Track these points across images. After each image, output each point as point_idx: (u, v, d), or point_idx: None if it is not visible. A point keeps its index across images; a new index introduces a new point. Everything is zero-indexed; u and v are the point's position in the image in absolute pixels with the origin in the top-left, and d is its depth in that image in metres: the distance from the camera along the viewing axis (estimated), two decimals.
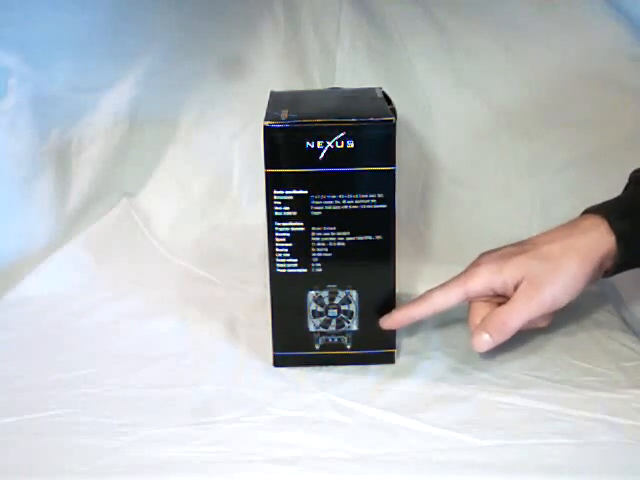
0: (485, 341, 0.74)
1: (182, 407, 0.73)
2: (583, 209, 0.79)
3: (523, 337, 0.84)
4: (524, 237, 0.78)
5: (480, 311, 0.77)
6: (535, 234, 0.78)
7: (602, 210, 0.77)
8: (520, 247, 0.77)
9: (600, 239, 0.75)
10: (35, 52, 0.98)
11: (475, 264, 0.77)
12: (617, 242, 0.75)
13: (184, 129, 1.09)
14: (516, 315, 0.74)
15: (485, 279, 0.75)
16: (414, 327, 0.84)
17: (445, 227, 1.04)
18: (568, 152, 1.01)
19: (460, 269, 0.77)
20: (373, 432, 0.69)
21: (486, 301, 0.77)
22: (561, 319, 0.88)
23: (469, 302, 0.78)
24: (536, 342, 0.83)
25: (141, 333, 0.87)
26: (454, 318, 0.88)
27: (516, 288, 0.75)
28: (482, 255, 0.78)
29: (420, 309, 0.77)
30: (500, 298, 0.77)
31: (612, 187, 0.80)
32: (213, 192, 1.07)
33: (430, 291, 0.77)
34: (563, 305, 0.76)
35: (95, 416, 0.72)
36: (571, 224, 0.77)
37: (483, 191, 1.04)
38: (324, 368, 0.79)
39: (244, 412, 0.72)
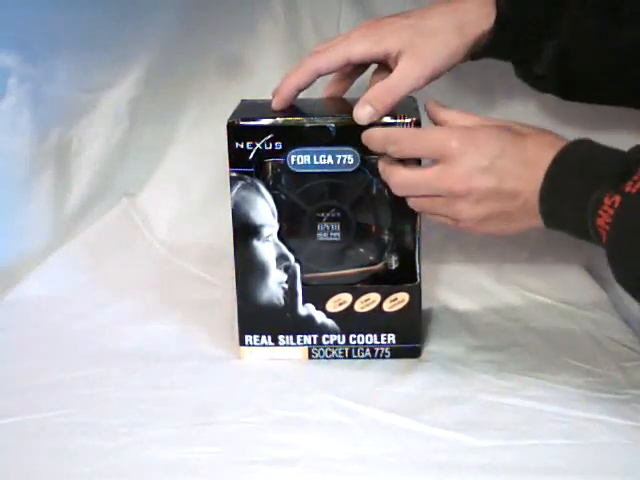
0: (367, 112, 0.74)
1: (182, 408, 0.73)
2: None
3: (523, 338, 0.85)
4: None
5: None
6: None
7: None
8: (403, 18, 0.77)
9: (482, 15, 0.76)
10: (35, 52, 0.98)
11: (358, 30, 0.77)
12: (496, 20, 0.76)
13: (184, 129, 1.09)
14: (398, 86, 0.74)
15: (366, 47, 0.76)
16: None
17: None
18: None
19: None
20: (373, 433, 0.69)
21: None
22: (561, 320, 0.88)
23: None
24: (535, 343, 0.83)
25: (141, 334, 0.87)
26: (454, 319, 0.89)
27: (397, 60, 0.75)
28: (366, 22, 0.78)
29: (303, 76, 0.77)
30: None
31: None
32: (213, 192, 1.07)
33: (312, 57, 0.77)
34: (439, 76, 0.76)
35: (95, 417, 0.72)
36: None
37: None
38: (324, 369, 0.79)
39: (244, 413, 0.72)
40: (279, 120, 0.76)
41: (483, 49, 0.78)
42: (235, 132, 0.76)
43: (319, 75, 0.77)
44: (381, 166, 0.75)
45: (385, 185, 0.76)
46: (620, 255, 0.64)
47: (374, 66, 0.80)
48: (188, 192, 1.10)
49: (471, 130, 0.71)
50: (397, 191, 0.74)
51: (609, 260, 0.65)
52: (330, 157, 0.76)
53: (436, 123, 0.75)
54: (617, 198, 0.63)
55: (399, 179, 0.73)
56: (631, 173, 0.63)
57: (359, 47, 0.76)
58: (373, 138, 0.74)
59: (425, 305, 0.83)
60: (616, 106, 0.87)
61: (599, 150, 0.67)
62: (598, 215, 0.63)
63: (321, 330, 0.80)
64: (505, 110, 1.00)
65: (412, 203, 0.74)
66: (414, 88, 0.75)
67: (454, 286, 0.95)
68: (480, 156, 0.69)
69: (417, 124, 0.75)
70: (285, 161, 0.76)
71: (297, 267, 0.79)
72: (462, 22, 0.76)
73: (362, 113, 0.75)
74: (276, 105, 0.78)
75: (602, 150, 0.67)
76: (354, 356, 0.81)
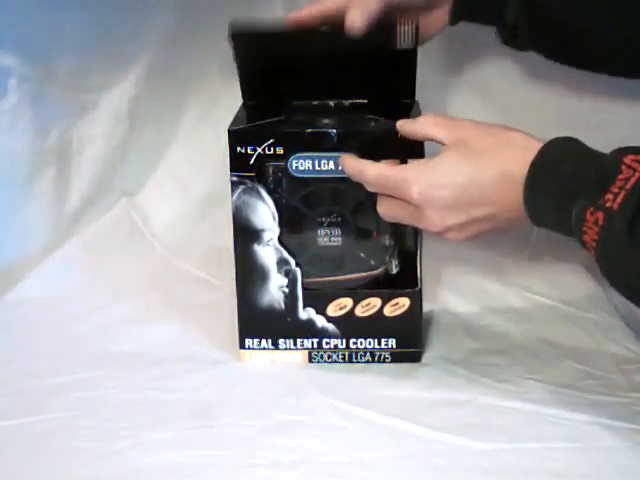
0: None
1: (182, 411, 0.73)
2: None
3: (523, 341, 0.84)
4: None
5: None
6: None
7: None
8: None
9: None
10: (35, 52, 0.97)
11: None
12: None
13: (184, 129, 1.09)
14: None
15: None
16: None
17: None
18: None
19: None
20: (374, 436, 0.69)
21: None
22: (562, 322, 0.88)
23: None
24: (536, 345, 0.83)
25: (141, 336, 0.87)
26: (454, 321, 0.89)
27: None
28: None
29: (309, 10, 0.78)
30: None
31: None
32: (213, 192, 1.07)
33: None
34: None
35: (95, 419, 0.72)
36: None
37: None
38: (324, 373, 0.79)
39: (244, 416, 0.72)
40: (280, 125, 0.76)
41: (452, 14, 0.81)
42: (236, 137, 0.76)
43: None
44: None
45: None
46: (611, 272, 0.63)
47: None
48: (188, 192, 1.09)
49: (430, 170, 0.70)
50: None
51: (602, 273, 0.64)
52: (332, 163, 0.76)
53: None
54: (600, 215, 0.61)
55: (381, 210, 0.74)
56: (609, 182, 0.61)
57: None
58: (345, 165, 0.74)
59: (426, 307, 0.83)
60: (591, 69, 0.87)
61: (575, 155, 0.66)
62: (584, 232, 0.63)
63: (321, 334, 0.80)
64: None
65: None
66: None
67: (455, 288, 0.95)
68: (443, 199, 0.69)
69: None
70: (286, 166, 0.76)
71: (298, 271, 0.79)
72: None
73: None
74: (289, 21, 0.79)
75: (578, 155, 0.65)
76: (354, 360, 0.81)
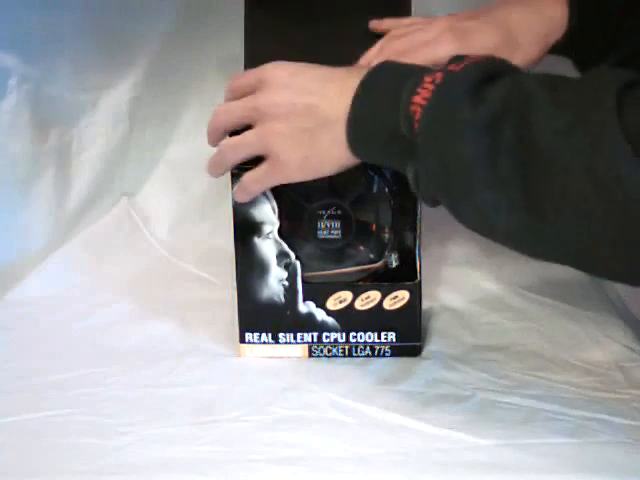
0: None
1: (183, 407, 0.73)
2: None
3: (523, 337, 0.85)
4: None
5: None
6: None
7: None
8: (485, 21, 0.78)
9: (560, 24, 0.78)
10: (35, 52, 0.98)
11: (442, 32, 0.78)
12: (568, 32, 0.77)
13: (184, 129, 1.09)
14: None
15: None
16: None
17: None
18: None
19: None
20: (373, 432, 0.69)
21: None
22: (560, 320, 0.88)
23: None
24: (535, 342, 0.84)
25: (141, 333, 0.87)
26: (454, 318, 0.89)
27: None
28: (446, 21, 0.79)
29: None
30: None
31: None
32: (213, 192, 1.07)
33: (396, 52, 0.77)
34: None
35: (96, 416, 0.72)
36: None
37: None
38: (324, 367, 0.79)
39: (244, 412, 0.72)
40: None
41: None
42: (236, 131, 0.76)
43: None
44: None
45: (386, 183, 0.76)
46: (436, 131, 0.59)
47: None
48: (188, 192, 1.10)
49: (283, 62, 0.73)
50: (214, 117, 0.76)
51: (420, 147, 0.60)
52: None
53: None
54: (439, 74, 0.60)
55: (219, 107, 0.76)
56: (456, 60, 0.61)
57: (444, 50, 0.75)
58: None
59: (425, 304, 0.83)
60: None
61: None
62: (416, 93, 0.60)
63: (321, 328, 0.80)
64: None
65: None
66: None
67: (454, 285, 0.96)
68: (282, 74, 0.71)
69: None
70: None
71: (297, 264, 0.79)
72: (547, 31, 0.77)
73: None
74: None
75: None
76: (354, 354, 0.81)
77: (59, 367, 0.80)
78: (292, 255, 0.79)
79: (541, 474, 0.64)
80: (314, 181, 0.73)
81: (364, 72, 0.66)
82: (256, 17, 0.84)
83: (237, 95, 0.75)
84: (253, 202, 0.77)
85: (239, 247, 0.79)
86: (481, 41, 0.77)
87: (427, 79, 0.60)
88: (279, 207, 0.78)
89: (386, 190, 0.78)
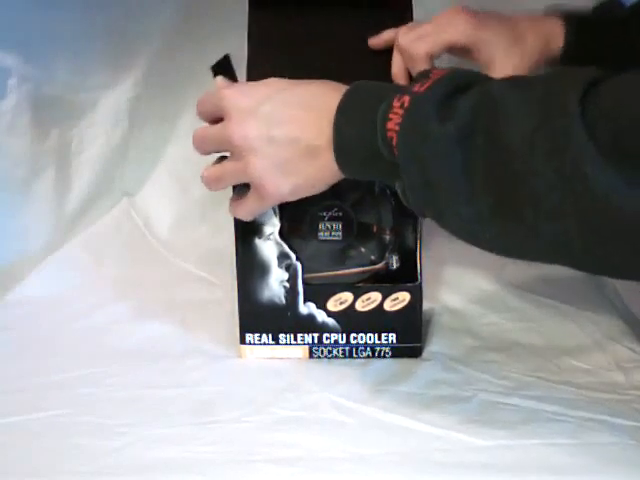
0: None
1: (182, 407, 0.73)
2: None
3: (523, 338, 0.84)
4: None
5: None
6: None
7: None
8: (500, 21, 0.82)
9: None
10: (35, 52, 0.98)
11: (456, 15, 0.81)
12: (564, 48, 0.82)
13: (184, 129, 1.09)
14: None
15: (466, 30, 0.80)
16: None
17: None
18: None
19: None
20: (373, 432, 0.69)
21: None
22: (561, 320, 0.88)
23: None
24: (536, 343, 0.84)
25: (141, 334, 0.87)
26: (454, 319, 0.89)
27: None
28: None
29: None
30: None
31: None
32: (213, 192, 1.06)
33: (413, 42, 0.80)
34: None
35: (95, 416, 0.72)
36: None
37: None
38: (324, 369, 0.79)
39: (244, 412, 0.72)
40: None
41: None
42: None
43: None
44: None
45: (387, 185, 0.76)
46: (412, 153, 0.60)
47: None
48: (188, 192, 1.10)
49: (245, 84, 0.73)
50: (193, 142, 0.75)
51: (402, 169, 0.61)
52: None
53: None
54: (406, 98, 0.60)
55: (195, 134, 0.74)
56: (417, 82, 0.61)
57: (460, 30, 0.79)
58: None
59: (426, 305, 0.83)
60: None
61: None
62: (388, 119, 0.61)
63: (322, 329, 0.80)
64: None
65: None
66: None
67: (455, 286, 0.96)
68: (248, 104, 0.68)
69: None
70: None
71: (298, 266, 0.79)
72: (549, 39, 0.81)
73: None
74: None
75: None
76: (355, 355, 0.81)
77: (59, 367, 0.80)
78: (293, 256, 0.79)
79: (541, 475, 0.63)
80: None
81: (337, 96, 0.66)
82: (259, 21, 0.84)
83: (205, 117, 0.74)
84: None
85: (240, 248, 0.79)
86: (493, 30, 0.79)
87: (396, 104, 0.61)
88: (280, 208, 0.78)
89: (387, 191, 0.78)
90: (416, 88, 0.60)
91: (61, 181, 1.05)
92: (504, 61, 0.79)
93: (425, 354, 0.82)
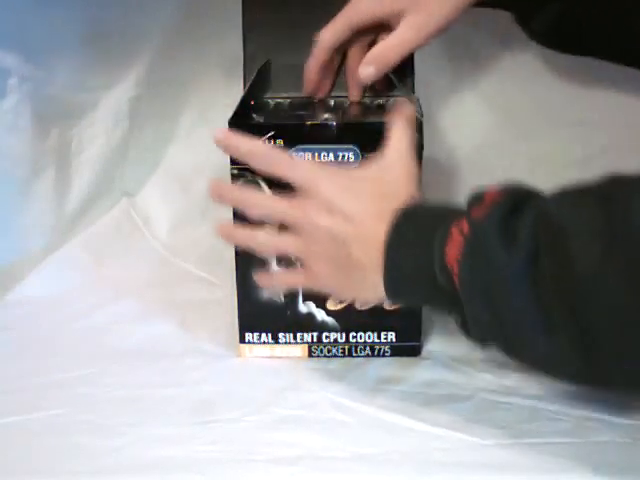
0: (368, 72, 0.76)
1: (182, 407, 0.73)
2: None
3: None
4: None
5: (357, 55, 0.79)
6: None
7: None
8: None
9: None
10: (35, 52, 0.98)
11: None
12: None
13: (184, 128, 1.09)
14: (400, 44, 0.75)
15: (369, 9, 0.77)
16: None
17: None
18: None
19: None
20: (373, 432, 0.69)
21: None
22: None
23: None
24: None
25: (141, 333, 0.87)
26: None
27: (400, 19, 0.75)
28: None
29: (319, 54, 0.79)
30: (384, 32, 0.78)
31: None
32: None
33: (318, 34, 0.79)
34: (444, 32, 0.76)
35: (95, 416, 0.72)
36: None
37: None
38: (324, 367, 0.79)
39: (244, 411, 0.72)
40: (281, 118, 0.77)
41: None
42: (236, 129, 0.76)
43: (331, 49, 0.79)
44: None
45: None
46: (477, 284, 0.57)
47: None
48: (188, 192, 1.10)
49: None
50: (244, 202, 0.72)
51: (465, 304, 0.58)
52: (331, 155, 0.76)
53: None
54: (465, 226, 0.57)
55: (251, 199, 0.71)
56: (476, 202, 0.58)
57: (363, 7, 0.77)
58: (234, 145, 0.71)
59: None
60: (614, 62, 0.86)
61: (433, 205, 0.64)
62: (447, 247, 0.58)
63: (321, 328, 0.80)
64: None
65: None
66: (417, 45, 0.76)
67: None
68: (330, 192, 0.66)
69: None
70: None
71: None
72: None
73: (364, 74, 0.76)
74: (306, 90, 0.83)
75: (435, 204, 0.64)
76: (354, 354, 0.81)
77: (59, 367, 0.80)
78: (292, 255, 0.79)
79: (541, 474, 0.63)
80: None
81: (391, 214, 0.63)
82: (254, 16, 0.84)
83: (263, 169, 0.70)
84: None
85: (239, 247, 0.79)
86: None
87: (454, 230, 0.58)
88: None
89: None
90: (474, 213, 0.58)
91: (61, 181, 1.05)
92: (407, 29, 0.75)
93: (424, 353, 0.82)
